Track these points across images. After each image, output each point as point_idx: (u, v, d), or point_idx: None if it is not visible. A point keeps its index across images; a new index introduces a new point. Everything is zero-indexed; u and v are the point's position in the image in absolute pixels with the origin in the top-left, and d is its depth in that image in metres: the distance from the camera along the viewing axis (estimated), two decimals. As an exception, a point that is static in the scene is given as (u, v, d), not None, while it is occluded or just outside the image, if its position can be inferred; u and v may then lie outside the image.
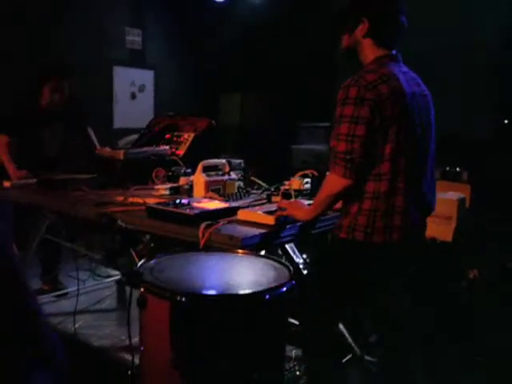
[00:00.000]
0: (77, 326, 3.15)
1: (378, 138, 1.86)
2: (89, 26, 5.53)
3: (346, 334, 2.71)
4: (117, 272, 4.23)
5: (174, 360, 1.39)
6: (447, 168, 4.28)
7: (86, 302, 3.63)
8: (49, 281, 3.85)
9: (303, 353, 2.52)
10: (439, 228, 3.74)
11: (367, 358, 2.71)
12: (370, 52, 2.01)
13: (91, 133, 3.76)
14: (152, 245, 1.70)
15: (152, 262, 1.66)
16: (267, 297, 1.44)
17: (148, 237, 2.87)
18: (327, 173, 2.00)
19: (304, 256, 2.88)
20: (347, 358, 2.68)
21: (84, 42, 5.45)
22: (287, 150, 5.53)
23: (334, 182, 1.91)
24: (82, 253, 3.93)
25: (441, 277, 3.28)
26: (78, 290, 3.19)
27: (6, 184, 3.09)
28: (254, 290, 1.46)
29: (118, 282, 4.07)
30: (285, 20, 5.88)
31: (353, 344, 2.74)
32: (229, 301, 1.43)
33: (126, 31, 6.01)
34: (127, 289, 3.90)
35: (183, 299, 1.40)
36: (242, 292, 1.45)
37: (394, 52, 2.03)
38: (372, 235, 1.90)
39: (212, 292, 1.46)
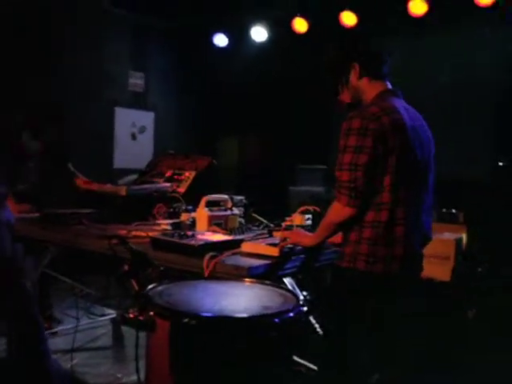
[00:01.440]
0: (73, 363, 3.10)
1: (378, 169, 1.91)
2: (92, 67, 5.67)
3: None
4: (111, 311, 4.20)
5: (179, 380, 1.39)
6: (443, 210, 4.34)
7: (82, 339, 3.58)
8: (46, 317, 3.80)
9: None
10: (437, 268, 3.77)
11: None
12: (369, 90, 2.09)
13: (71, 168, 3.76)
14: (162, 268, 1.71)
15: (160, 287, 1.67)
16: (276, 320, 1.45)
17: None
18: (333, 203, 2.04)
19: (304, 293, 2.89)
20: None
21: (86, 83, 5.57)
22: (285, 191, 5.60)
23: (339, 210, 1.96)
24: (78, 290, 3.91)
25: (440, 314, 3.27)
26: (76, 327, 3.15)
27: (8, 218, 3.10)
28: (263, 312, 1.47)
29: (112, 320, 4.03)
30: (285, 65, 6.05)
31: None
32: (239, 324, 1.44)
33: (129, 74, 6.17)
34: (123, 328, 3.87)
35: (193, 322, 1.41)
36: (251, 315, 1.46)
37: (390, 86, 2.12)
38: (373, 264, 1.93)
39: (221, 314, 1.47)
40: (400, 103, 2.06)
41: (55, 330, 3.73)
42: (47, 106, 4.00)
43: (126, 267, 1.61)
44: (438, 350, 3.13)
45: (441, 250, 3.81)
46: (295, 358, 1.95)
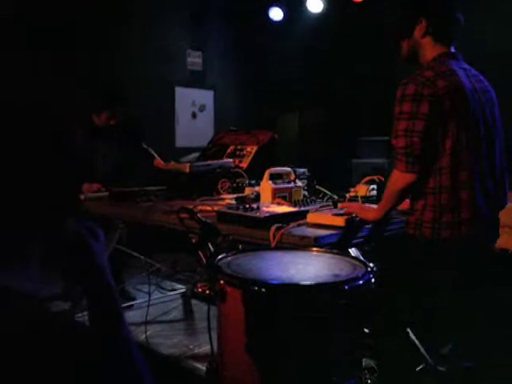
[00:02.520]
0: (147, 334, 3.23)
1: (437, 133, 1.87)
2: (151, 47, 5.76)
3: (418, 344, 2.64)
4: (181, 286, 4.34)
5: (252, 347, 1.42)
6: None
7: (154, 313, 3.71)
8: (119, 292, 3.97)
9: (376, 363, 2.48)
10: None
11: (440, 368, 2.63)
12: (429, 51, 2.02)
13: (149, 149, 3.88)
14: (231, 237, 1.73)
15: (229, 257, 1.70)
16: (346, 287, 1.44)
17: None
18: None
19: (371, 264, 2.85)
20: (420, 367, 2.61)
21: (146, 62, 5.67)
22: (347, 164, 5.53)
23: (398, 177, 1.94)
24: (149, 266, 4.05)
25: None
26: (148, 301, 3.27)
27: (81, 197, 3.24)
28: (334, 280, 1.47)
29: (183, 295, 4.17)
30: (344, 34, 5.92)
31: (425, 354, 2.66)
32: (307, 290, 1.44)
33: (187, 53, 6.24)
34: (193, 302, 4.00)
35: (263, 289, 1.42)
36: (320, 282, 1.46)
37: (453, 50, 2.04)
38: (440, 230, 1.89)
39: (290, 281, 1.48)
40: (458, 65, 1.98)
41: (128, 304, 3.89)
42: (110, 85, 4.12)
43: (195, 239, 1.64)
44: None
45: (516, 220, 3.64)
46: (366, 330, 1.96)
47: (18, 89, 4.50)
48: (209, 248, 1.67)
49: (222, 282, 1.53)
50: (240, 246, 2.15)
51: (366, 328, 2.12)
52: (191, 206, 2.69)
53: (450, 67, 1.94)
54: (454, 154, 1.88)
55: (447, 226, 1.89)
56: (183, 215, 1.88)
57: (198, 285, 3.90)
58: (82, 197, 3.24)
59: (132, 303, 3.91)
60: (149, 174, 3.55)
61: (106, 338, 1.07)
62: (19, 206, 0.93)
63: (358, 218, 2.14)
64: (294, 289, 1.45)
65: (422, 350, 2.66)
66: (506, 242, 3.45)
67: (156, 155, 3.80)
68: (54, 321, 0.94)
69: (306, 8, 5.98)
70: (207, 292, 3.75)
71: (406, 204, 2.19)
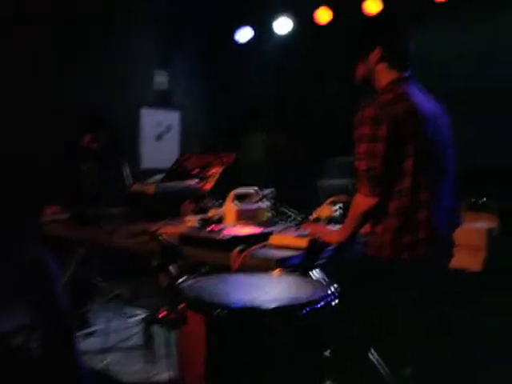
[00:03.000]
0: (106, 361, 3.13)
1: (397, 155, 1.89)
2: (115, 67, 5.70)
3: (379, 365, 2.64)
4: (141, 311, 4.24)
5: (212, 370, 1.39)
6: (473, 199, 4.23)
7: (114, 340, 3.61)
8: (78, 318, 3.85)
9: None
10: (468, 259, 3.67)
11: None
12: (384, 76, 2.08)
13: (126, 170, 3.88)
14: (191, 260, 1.71)
15: (190, 280, 1.67)
16: (304, 311, 1.43)
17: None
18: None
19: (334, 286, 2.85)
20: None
21: (110, 83, 5.60)
22: (313, 184, 5.56)
23: (361, 201, 1.96)
24: (109, 291, 3.95)
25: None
26: (108, 327, 3.18)
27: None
28: (293, 303, 1.45)
29: (143, 320, 4.06)
30: (309, 57, 6.00)
31: (386, 375, 2.66)
32: (269, 314, 1.42)
33: (153, 73, 6.20)
34: (154, 327, 3.90)
35: (224, 313, 1.40)
36: (281, 305, 1.44)
37: (406, 74, 2.09)
38: (400, 252, 1.91)
39: (251, 305, 1.45)
40: (414, 90, 2.03)
41: (88, 330, 3.78)
42: (89, 108, 4.13)
43: (157, 261, 1.61)
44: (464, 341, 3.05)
45: (472, 240, 3.71)
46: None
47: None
48: (170, 271, 1.64)
49: (182, 305, 1.50)
50: (204, 270, 2.12)
51: (327, 350, 2.12)
52: (155, 228, 2.66)
53: (405, 90, 1.99)
54: (414, 175, 1.90)
55: (406, 248, 1.91)
56: (146, 237, 1.85)
57: (160, 310, 3.81)
58: (43, 219, 3.16)
59: (92, 330, 3.80)
60: (123, 197, 3.51)
61: (60, 366, 1.03)
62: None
63: (321, 240, 2.14)
64: (254, 312, 1.43)
65: (383, 372, 2.66)
66: (462, 261, 3.52)
67: (131, 180, 3.80)
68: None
69: (272, 29, 6.04)
70: (168, 317, 3.67)
71: (368, 227, 2.20)
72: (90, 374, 1.05)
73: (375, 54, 2.07)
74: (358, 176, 1.96)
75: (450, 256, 2.11)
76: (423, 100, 2.02)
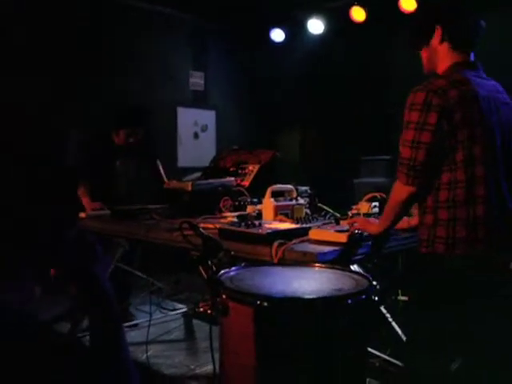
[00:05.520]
0: (148, 354, 3.20)
1: (447, 145, 1.81)
2: (154, 68, 5.84)
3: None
4: (182, 305, 4.32)
5: (257, 364, 1.40)
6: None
7: (155, 333, 3.69)
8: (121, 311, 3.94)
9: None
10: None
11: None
12: (446, 58, 1.96)
13: (160, 168, 3.95)
14: (232, 253, 1.73)
15: (231, 272, 1.70)
16: (349, 301, 1.44)
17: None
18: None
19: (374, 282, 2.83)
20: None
21: (149, 83, 5.75)
22: (349, 183, 5.53)
23: (399, 189, 1.90)
24: (150, 285, 4.03)
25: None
26: (150, 320, 3.25)
27: (82, 215, 3.26)
28: (336, 294, 1.46)
29: (184, 315, 4.14)
30: (345, 55, 5.98)
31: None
32: (310, 304, 1.44)
33: (190, 74, 6.30)
34: (194, 321, 3.97)
35: (266, 303, 1.42)
36: (323, 296, 1.46)
37: (472, 59, 1.99)
38: (454, 246, 1.82)
39: (293, 295, 1.47)
40: (474, 75, 1.92)
41: (130, 324, 3.86)
42: (136, 105, 4.22)
43: (197, 255, 1.64)
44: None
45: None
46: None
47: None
48: (210, 264, 1.67)
49: (224, 296, 1.52)
50: (243, 264, 2.14)
51: (369, 347, 2.10)
52: (195, 222, 2.69)
53: (464, 76, 1.88)
54: (467, 167, 1.80)
55: (461, 242, 1.81)
56: (186, 231, 1.88)
57: (200, 304, 3.88)
58: (83, 214, 3.25)
59: (134, 323, 3.89)
60: (158, 194, 3.58)
61: (106, 356, 1.07)
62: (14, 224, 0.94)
63: (359, 235, 2.12)
64: (297, 302, 1.44)
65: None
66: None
67: (165, 178, 3.86)
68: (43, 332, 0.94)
69: (306, 29, 6.05)
70: (209, 311, 3.73)
71: (404, 222, 2.17)
72: (135, 365, 1.08)
73: (436, 36, 1.96)
74: (398, 162, 1.88)
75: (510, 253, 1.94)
76: (483, 84, 1.90)
